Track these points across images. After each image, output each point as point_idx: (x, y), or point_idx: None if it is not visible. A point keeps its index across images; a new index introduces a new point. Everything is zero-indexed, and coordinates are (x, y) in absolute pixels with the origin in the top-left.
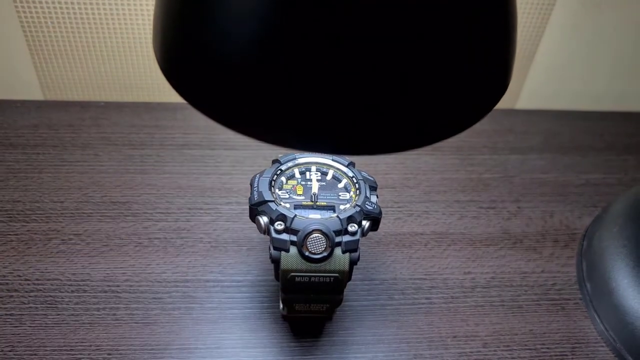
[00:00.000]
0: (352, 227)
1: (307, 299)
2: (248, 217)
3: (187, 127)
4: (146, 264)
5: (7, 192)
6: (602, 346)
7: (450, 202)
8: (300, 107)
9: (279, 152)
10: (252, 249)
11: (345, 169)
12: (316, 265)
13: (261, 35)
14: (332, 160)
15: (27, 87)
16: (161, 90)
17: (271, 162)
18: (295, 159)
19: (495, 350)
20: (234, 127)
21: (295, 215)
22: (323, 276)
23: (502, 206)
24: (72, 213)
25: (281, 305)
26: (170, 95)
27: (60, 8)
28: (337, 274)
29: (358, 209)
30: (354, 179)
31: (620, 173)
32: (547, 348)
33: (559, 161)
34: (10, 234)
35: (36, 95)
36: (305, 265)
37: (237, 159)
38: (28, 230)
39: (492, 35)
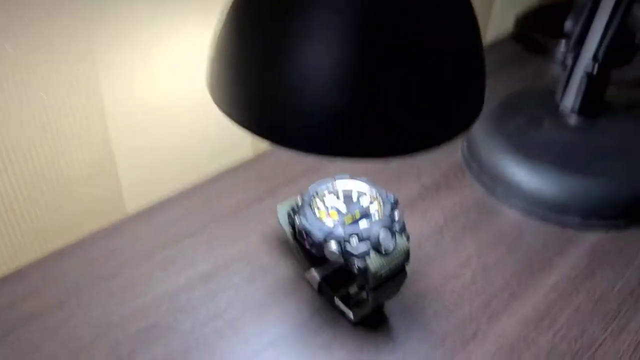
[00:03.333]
0: (397, 214)
1: (388, 287)
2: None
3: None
4: None
5: None
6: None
7: None
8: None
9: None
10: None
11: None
12: (390, 255)
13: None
14: (335, 179)
15: None
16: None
17: (288, 213)
18: (312, 193)
19: None
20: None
21: (360, 229)
22: (397, 260)
23: None
24: None
25: (351, 314)
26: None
27: None
28: (404, 254)
29: (387, 202)
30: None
31: None
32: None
33: None
34: None
35: None
36: (384, 259)
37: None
38: None
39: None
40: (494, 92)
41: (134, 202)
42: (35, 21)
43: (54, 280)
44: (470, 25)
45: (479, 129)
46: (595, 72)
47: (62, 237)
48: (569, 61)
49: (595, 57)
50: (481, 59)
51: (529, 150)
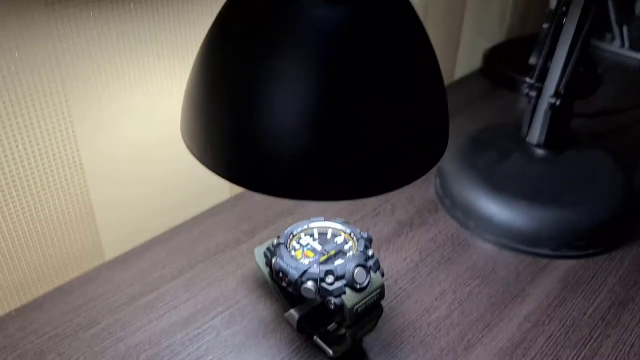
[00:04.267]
0: (370, 252)
1: (365, 323)
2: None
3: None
4: None
5: None
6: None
7: None
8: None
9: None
10: None
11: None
12: (365, 291)
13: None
14: (310, 222)
15: None
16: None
17: (264, 253)
18: (288, 234)
19: None
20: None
21: (335, 266)
22: (372, 296)
23: None
24: None
25: (330, 352)
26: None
27: None
28: (379, 289)
29: (360, 240)
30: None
31: None
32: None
33: None
34: None
35: None
36: (359, 295)
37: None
38: None
39: (437, 120)
40: (466, 126)
41: (112, 248)
42: (14, 71)
43: (34, 331)
44: (431, 67)
45: (450, 164)
46: (558, 105)
47: (41, 287)
48: (533, 95)
49: (557, 91)
50: (443, 99)
51: (499, 184)
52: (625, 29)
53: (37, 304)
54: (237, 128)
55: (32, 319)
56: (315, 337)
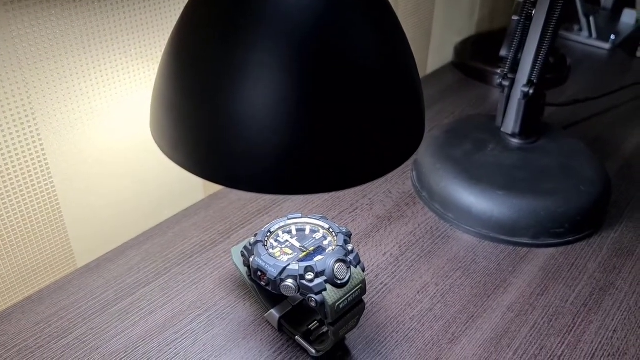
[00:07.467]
0: (350, 247)
1: (347, 319)
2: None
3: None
4: None
5: None
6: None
7: None
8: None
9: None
10: None
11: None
12: (346, 287)
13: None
14: (288, 218)
15: None
16: None
17: (241, 253)
18: (266, 232)
19: None
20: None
21: (315, 262)
22: (354, 291)
23: None
24: None
25: (313, 351)
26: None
27: None
28: (361, 284)
29: (339, 235)
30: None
31: None
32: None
33: None
34: None
35: None
36: (340, 292)
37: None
38: None
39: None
40: (439, 118)
41: (84, 254)
42: None
43: (3, 344)
44: (405, 56)
45: (426, 157)
46: (531, 93)
47: (9, 297)
48: (506, 85)
49: (530, 81)
50: (419, 89)
51: (476, 175)
52: (592, 19)
53: (5, 315)
54: (208, 123)
55: (1, 331)
56: (297, 337)
